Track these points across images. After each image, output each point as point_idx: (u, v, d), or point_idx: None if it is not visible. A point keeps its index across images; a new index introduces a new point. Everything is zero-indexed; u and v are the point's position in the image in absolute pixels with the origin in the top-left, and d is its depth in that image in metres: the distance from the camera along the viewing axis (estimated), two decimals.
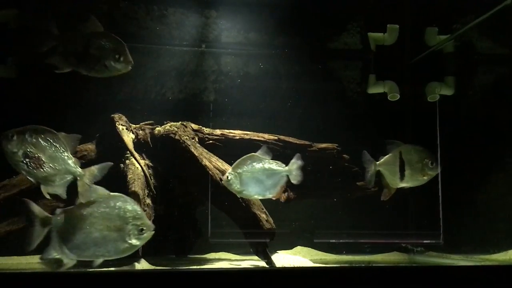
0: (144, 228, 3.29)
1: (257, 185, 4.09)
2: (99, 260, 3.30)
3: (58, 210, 3.36)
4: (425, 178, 4.42)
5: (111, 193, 3.37)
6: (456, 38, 5.61)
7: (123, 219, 3.28)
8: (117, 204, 3.31)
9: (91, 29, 3.76)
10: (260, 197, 4.23)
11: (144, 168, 4.50)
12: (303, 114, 5.53)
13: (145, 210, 4.28)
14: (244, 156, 4.13)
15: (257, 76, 5.60)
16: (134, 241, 3.30)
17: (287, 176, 4.14)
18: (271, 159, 4.16)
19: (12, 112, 5.01)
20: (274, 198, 4.32)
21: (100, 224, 3.27)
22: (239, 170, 4.06)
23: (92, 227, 3.27)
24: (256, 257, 4.35)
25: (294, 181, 4.14)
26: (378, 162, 4.42)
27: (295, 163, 4.14)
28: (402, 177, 4.41)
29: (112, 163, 3.59)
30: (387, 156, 4.45)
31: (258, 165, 4.10)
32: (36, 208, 3.34)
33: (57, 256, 3.32)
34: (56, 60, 3.70)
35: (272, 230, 4.25)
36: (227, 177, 4.05)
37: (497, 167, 5.35)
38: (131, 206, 3.32)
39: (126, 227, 3.27)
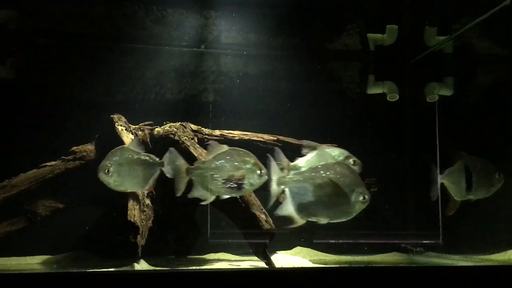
0: (366, 196, 3.45)
1: (131, 178, 4.01)
2: (324, 220, 3.52)
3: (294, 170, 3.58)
4: (492, 189, 4.31)
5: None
6: (455, 38, 5.62)
7: (348, 186, 3.43)
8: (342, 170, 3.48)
9: None
10: (133, 190, 4.15)
11: None
12: (303, 115, 5.53)
13: (144, 211, 4.28)
14: (115, 149, 4.06)
15: (257, 77, 5.61)
16: (357, 207, 3.46)
17: (161, 169, 4.05)
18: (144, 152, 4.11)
19: (12, 112, 5.03)
20: (146, 191, 4.25)
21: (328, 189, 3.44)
22: (111, 163, 3.97)
23: (322, 191, 3.44)
24: (255, 258, 4.35)
25: (168, 175, 4.04)
26: (442, 175, 4.28)
27: (168, 157, 4.04)
28: (469, 189, 4.27)
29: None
30: (451, 168, 4.30)
31: (129, 157, 4.03)
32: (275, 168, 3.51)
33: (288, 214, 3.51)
34: None
35: (271, 230, 4.25)
36: (106, 169, 3.94)
37: (497, 167, 5.35)
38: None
39: (352, 194, 3.43)
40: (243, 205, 4.30)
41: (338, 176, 3.44)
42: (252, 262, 4.58)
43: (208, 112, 5.36)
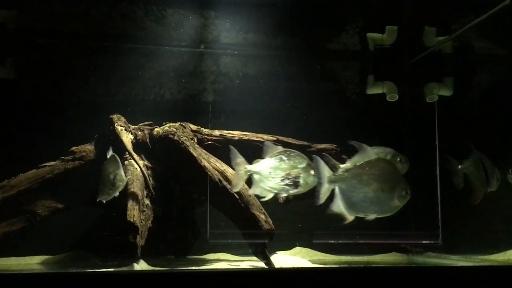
0: (408, 190, 3.60)
1: None
2: (372, 216, 3.68)
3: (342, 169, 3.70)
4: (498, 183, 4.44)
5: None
6: (454, 38, 5.62)
7: (391, 182, 3.61)
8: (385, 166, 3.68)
9: None
10: None
11: (143, 169, 4.50)
12: (302, 115, 5.53)
13: (144, 211, 4.28)
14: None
15: (256, 77, 5.61)
16: (398, 202, 3.61)
17: None
18: None
19: (11, 112, 5.04)
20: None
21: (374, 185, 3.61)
22: None
23: (369, 187, 3.62)
24: (255, 258, 4.35)
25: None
26: (463, 165, 4.41)
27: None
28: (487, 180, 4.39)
29: None
30: (470, 159, 4.42)
31: None
32: (325, 168, 3.66)
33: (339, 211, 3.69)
34: None
35: (271, 230, 4.25)
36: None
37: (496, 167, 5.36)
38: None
39: (395, 189, 3.59)
40: (242, 205, 4.30)
41: (382, 173, 3.61)
42: (251, 262, 4.58)
43: (207, 112, 5.36)
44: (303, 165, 3.90)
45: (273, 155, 3.96)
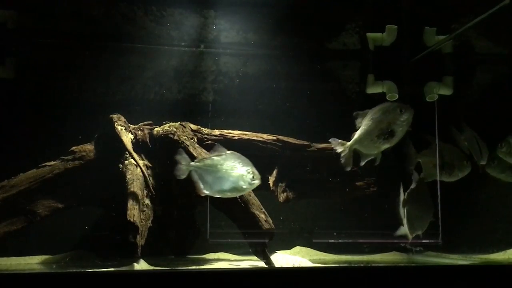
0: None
1: None
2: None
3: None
4: (459, 174, 4.97)
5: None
6: (454, 38, 5.62)
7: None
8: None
9: None
10: None
11: (143, 169, 4.50)
12: (302, 114, 5.52)
13: (144, 211, 4.28)
14: None
15: (256, 76, 5.61)
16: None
17: None
18: None
19: (11, 112, 5.03)
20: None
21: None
22: None
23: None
24: (255, 257, 4.35)
25: None
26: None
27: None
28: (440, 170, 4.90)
29: None
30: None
31: None
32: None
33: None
34: None
35: (271, 230, 4.25)
36: None
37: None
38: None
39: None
40: (242, 204, 4.30)
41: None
42: (251, 262, 4.59)
43: (207, 111, 5.36)
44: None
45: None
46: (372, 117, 4.44)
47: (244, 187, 4.05)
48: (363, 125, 4.44)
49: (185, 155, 4.14)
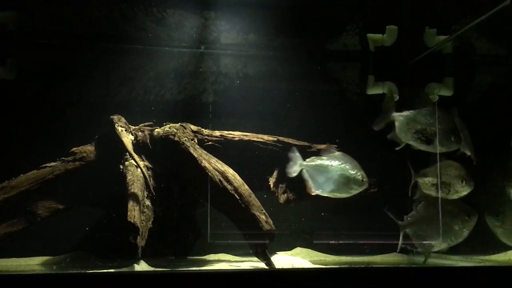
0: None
1: None
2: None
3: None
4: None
5: None
6: (455, 39, 5.62)
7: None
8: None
9: None
10: None
11: (144, 170, 4.50)
12: (303, 115, 5.53)
13: (144, 212, 4.28)
14: None
15: (256, 77, 5.61)
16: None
17: None
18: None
19: (12, 112, 5.04)
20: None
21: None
22: None
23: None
24: (255, 258, 4.35)
25: None
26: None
27: None
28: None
29: None
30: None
31: None
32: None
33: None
34: None
35: (271, 231, 4.24)
36: None
37: (497, 167, 5.35)
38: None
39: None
40: (243, 206, 4.30)
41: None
42: (252, 263, 4.58)
43: (208, 113, 5.36)
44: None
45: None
46: None
47: (354, 188, 4.09)
48: None
49: (297, 154, 4.29)
